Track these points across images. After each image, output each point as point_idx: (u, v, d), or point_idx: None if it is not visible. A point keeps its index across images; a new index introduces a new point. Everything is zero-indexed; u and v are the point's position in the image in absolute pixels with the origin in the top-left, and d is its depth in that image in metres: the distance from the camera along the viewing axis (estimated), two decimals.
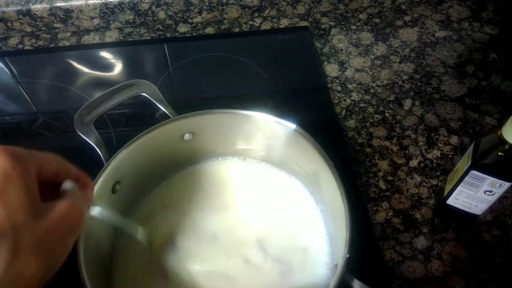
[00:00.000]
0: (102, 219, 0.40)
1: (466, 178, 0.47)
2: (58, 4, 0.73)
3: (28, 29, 0.76)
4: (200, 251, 0.48)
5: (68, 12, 0.74)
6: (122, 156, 0.44)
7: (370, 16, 0.79)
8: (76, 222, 0.30)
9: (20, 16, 0.74)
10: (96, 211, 0.39)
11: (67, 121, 0.66)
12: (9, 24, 0.75)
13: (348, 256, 0.37)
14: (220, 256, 0.48)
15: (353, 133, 0.62)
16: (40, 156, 0.31)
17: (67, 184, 0.32)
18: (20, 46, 0.76)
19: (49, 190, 0.31)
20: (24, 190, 0.27)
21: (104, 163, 0.44)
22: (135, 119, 0.65)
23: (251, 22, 0.79)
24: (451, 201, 0.51)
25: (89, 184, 0.35)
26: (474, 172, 0.45)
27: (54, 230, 0.28)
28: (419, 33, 0.76)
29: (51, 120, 0.67)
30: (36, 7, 0.73)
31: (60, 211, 0.29)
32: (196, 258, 0.47)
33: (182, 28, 0.78)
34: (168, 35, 0.77)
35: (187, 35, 0.77)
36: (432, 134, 0.62)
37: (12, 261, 0.25)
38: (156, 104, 0.50)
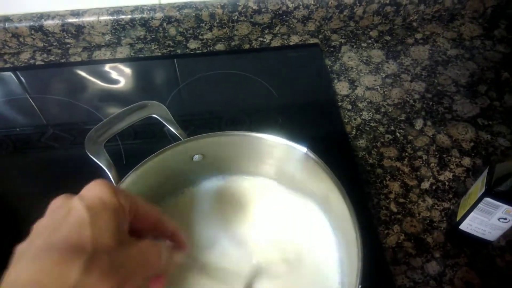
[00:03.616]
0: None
1: (479, 204, 0.46)
2: (70, 20, 0.73)
3: (40, 44, 0.77)
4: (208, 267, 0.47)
5: (79, 28, 0.75)
6: (132, 179, 0.44)
7: (381, 34, 0.79)
8: (153, 260, 0.32)
9: (32, 32, 0.74)
10: None
11: (76, 133, 0.67)
12: (21, 39, 0.75)
13: (360, 286, 0.37)
14: (229, 275, 0.48)
15: (364, 153, 0.62)
16: (140, 201, 0.34)
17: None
18: (32, 61, 0.77)
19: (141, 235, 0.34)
20: (115, 220, 0.30)
21: (115, 185, 0.44)
22: (144, 133, 0.65)
23: (261, 39, 0.79)
24: (464, 226, 0.50)
25: (182, 243, 0.38)
26: (488, 199, 0.44)
27: (130, 262, 0.30)
28: (430, 51, 0.76)
29: (60, 132, 0.68)
30: (48, 23, 0.74)
31: (141, 247, 0.32)
32: (204, 274, 0.47)
33: (193, 45, 0.78)
34: (179, 51, 0.77)
35: (198, 51, 0.77)
36: (444, 155, 0.61)
37: (84, 275, 0.26)
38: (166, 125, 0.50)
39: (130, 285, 0.30)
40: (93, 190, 0.31)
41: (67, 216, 0.29)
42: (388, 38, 0.78)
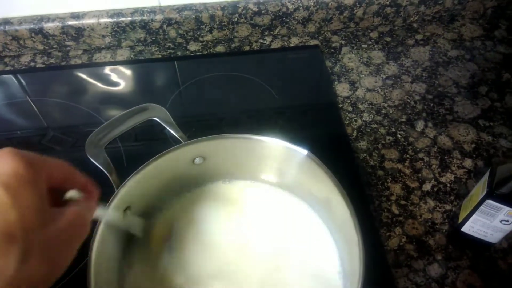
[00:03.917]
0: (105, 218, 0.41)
1: (481, 207, 0.46)
2: (70, 23, 0.73)
3: (40, 47, 0.77)
4: (209, 273, 0.47)
5: (80, 31, 0.74)
6: (132, 183, 0.44)
7: (381, 35, 0.79)
8: (81, 229, 0.31)
9: (33, 34, 0.74)
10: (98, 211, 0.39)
11: (77, 136, 0.67)
12: (21, 42, 0.75)
13: None
14: (230, 278, 0.47)
15: (365, 155, 0.62)
16: (50, 162, 0.31)
17: (73, 193, 0.33)
18: (32, 64, 0.76)
19: (55, 195, 0.32)
20: (36, 194, 0.27)
21: (115, 188, 0.44)
22: (144, 135, 0.65)
23: (261, 41, 0.79)
24: (466, 228, 0.50)
25: (95, 192, 0.35)
26: (489, 201, 0.44)
27: (61, 236, 0.29)
28: (431, 52, 0.75)
29: (61, 134, 0.68)
30: (49, 25, 0.74)
31: (67, 218, 0.30)
32: (204, 280, 0.47)
33: (193, 47, 0.78)
34: (179, 53, 0.77)
35: (198, 53, 0.77)
36: (445, 157, 0.61)
37: (23, 262, 0.25)
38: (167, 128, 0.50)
39: (65, 259, 0.29)
40: (5, 164, 0.27)
41: None
42: (388, 39, 0.78)
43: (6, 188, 0.26)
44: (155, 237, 0.50)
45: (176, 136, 0.49)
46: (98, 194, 0.36)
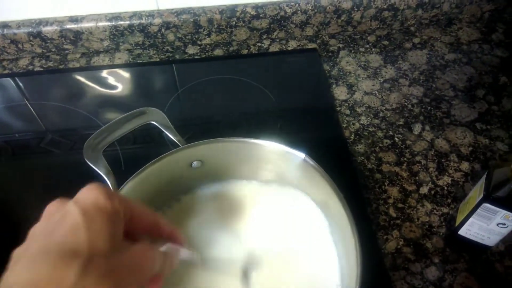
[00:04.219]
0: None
1: (478, 210, 0.46)
2: (68, 26, 0.74)
3: (39, 50, 0.77)
4: (205, 273, 0.47)
5: (78, 34, 0.75)
6: (130, 186, 0.44)
7: (379, 38, 0.79)
8: (146, 265, 0.33)
9: (31, 38, 0.74)
10: None
11: (76, 138, 0.67)
12: (20, 45, 0.76)
13: None
14: (226, 281, 0.47)
15: (362, 158, 0.62)
16: (137, 207, 0.35)
17: (167, 247, 0.36)
18: (31, 67, 0.77)
19: (135, 236, 0.34)
20: (109, 224, 0.30)
21: (109, 188, 0.44)
22: (142, 138, 0.65)
23: (259, 44, 0.79)
24: (463, 232, 0.50)
25: (181, 240, 0.38)
26: (486, 205, 0.44)
27: (125, 266, 0.30)
28: (428, 56, 0.76)
29: (59, 137, 0.68)
30: (47, 29, 0.74)
31: (135, 251, 0.32)
32: (201, 280, 0.47)
33: (191, 50, 0.78)
34: (177, 56, 0.77)
35: (196, 56, 0.77)
36: (443, 160, 0.61)
37: (80, 279, 0.27)
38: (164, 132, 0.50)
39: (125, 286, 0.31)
40: (88, 194, 0.31)
41: (62, 220, 0.29)
42: (386, 42, 0.78)
43: (83, 213, 0.29)
44: None
45: (174, 140, 0.49)
46: (184, 241, 0.39)
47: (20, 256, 0.29)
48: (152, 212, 0.36)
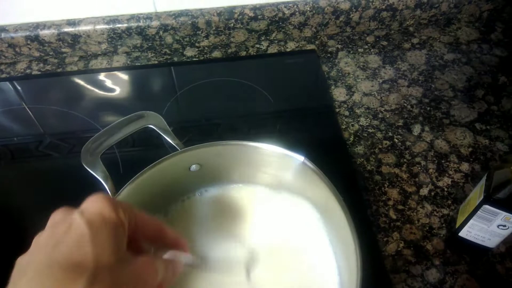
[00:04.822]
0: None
1: (478, 212, 0.46)
2: (66, 30, 0.73)
3: (36, 54, 0.77)
4: (205, 278, 0.47)
5: (76, 37, 0.74)
6: (128, 191, 0.44)
7: (378, 39, 0.79)
8: (149, 277, 0.33)
9: (28, 42, 0.74)
10: None
11: (74, 142, 0.67)
12: (17, 49, 0.75)
13: None
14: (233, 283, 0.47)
15: (362, 159, 0.62)
16: (141, 216, 0.35)
17: (171, 255, 0.36)
18: (28, 71, 0.76)
19: (138, 244, 0.35)
20: (115, 236, 0.30)
21: (113, 199, 0.44)
22: (141, 141, 0.65)
23: (258, 46, 0.79)
24: (463, 233, 0.50)
25: (185, 247, 0.38)
26: (487, 206, 0.44)
27: (129, 279, 0.31)
28: (427, 56, 0.75)
29: (58, 141, 0.67)
30: (44, 32, 0.73)
31: (139, 263, 0.32)
32: (207, 283, 0.47)
33: (189, 52, 0.78)
34: (175, 59, 0.77)
35: (194, 59, 0.77)
36: (443, 161, 0.61)
37: None
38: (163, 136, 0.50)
39: None
40: (93, 205, 0.31)
41: (68, 232, 0.29)
42: (384, 43, 0.78)
43: (89, 225, 0.29)
44: None
45: (173, 143, 0.49)
46: (188, 248, 0.39)
47: (25, 268, 0.29)
48: (155, 220, 0.37)
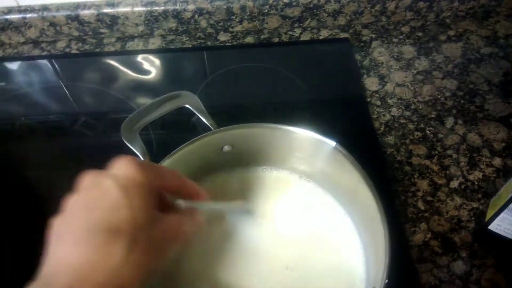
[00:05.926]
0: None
1: (510, 205, 0.45)
2: (105, 11, 0.75)
3: (76, 33, 0.79)
4: (231, 261, 0.48)
5: (114, 19, 0.76)
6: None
7: (413, 29, 0.78)
8: (178, 235, 0.35)
9: (69, 21, 0.77)
10: None
11: (108, 121, 0.69)
12: (58, 28, 0.78)
13: (387, 281, 0.37)
14: (252, 269, 0.48)
15: (392, 150, 0.62)
16: (164, 170, 0.37)
17: (181, 203, 0.37)
18: (67, 50, 0.79)
19: (163, 200, 0.36)
20: (147, 198, 0.32)
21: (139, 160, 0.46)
22: (172, 123, 0.66)
23: (290, 33, 0.79)
24: (493, 227, 0.49)
25: (204, 196, 0.40)
26: None
27: (161, 237, 0.33)
28: (463, 49, 0.74)
29: (93, 120, 0.69)
30: (84, 12, 0.76)
31: (170, 223, 0.34)
32: (227, 269, 0.48)
33: (223, 37, 0.79)
34: (209, 43, 0.78)
35: (227, 43, 0.78)
36: (475, 155, 0.60)
37: (128, 254, 0.29)
38: (198, 115, 0.51)
39: (159, 259, 0.33)
40: (123, 168, 0.32)
41: (103, 197, 0.31)
42: (420, 34, 0.77)
43: (122, 189, 0.31)
44: None
45: (207, 123, 0.50)
46: (207, 197, 0.40)
47: (64, 232, 0.30)
48: (178, 174, 0.38)
